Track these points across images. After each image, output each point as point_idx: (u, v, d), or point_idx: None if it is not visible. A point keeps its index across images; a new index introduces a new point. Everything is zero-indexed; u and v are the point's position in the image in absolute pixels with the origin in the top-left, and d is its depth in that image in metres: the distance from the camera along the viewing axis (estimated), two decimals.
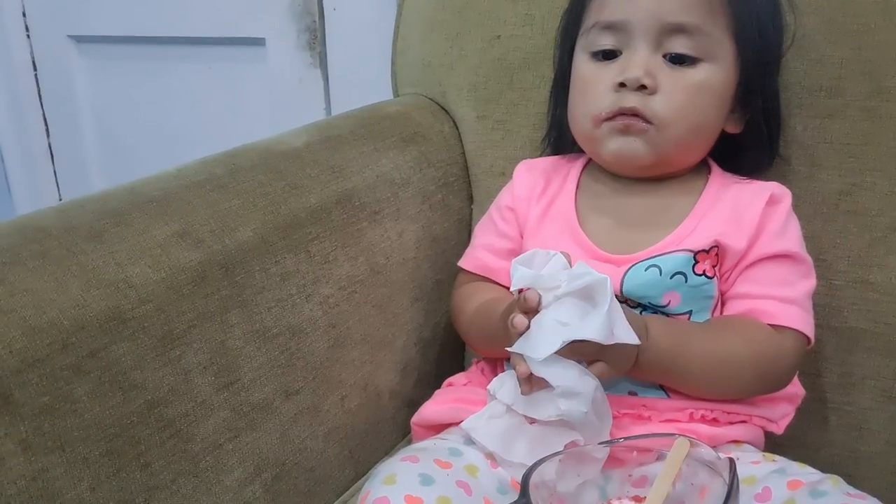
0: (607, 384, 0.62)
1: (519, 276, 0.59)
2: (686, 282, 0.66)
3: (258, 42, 1.30)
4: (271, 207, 0.67)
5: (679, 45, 0.66)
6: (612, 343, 0.56)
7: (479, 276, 0.77)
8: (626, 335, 0.57)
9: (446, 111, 0.92)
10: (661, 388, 0.66)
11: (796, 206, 0.69)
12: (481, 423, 0.62)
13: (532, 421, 0.61)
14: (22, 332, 0.48)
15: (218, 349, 0.60)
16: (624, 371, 0.62)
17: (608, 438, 0.60)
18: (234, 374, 0.61)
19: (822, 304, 0.70)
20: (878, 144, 0.72)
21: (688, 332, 0.65)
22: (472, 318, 0.74)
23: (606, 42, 0.68)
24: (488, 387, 0.64)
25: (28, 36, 1.52)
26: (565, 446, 0.59)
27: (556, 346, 0.56)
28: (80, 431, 0.50)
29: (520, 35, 0.87)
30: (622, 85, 0.66)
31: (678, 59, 0.66)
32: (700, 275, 0.66)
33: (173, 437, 0.56)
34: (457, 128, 0.92)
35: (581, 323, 0.57)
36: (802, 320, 0.66)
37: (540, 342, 0.57)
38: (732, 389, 0.65)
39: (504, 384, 0.63)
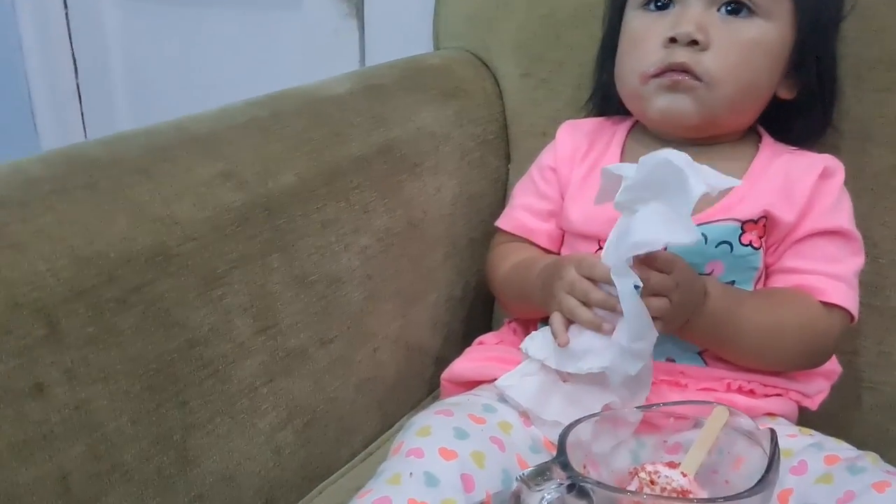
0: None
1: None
2: (731, 251, 0.65)
3: None
4: (314, 154, 0.66)
5: None
6: (716, 192, 0.54)
7: (516, 236, 0.76)
8: (725, 181, 0.55)
9: (488, 67, 0.91)
10: (700, 356, 0.65)
11: (847, 182, 0.68)
12: (515, 380, 0.62)
13: (565, 379, 0.60)
14: (70, 262, 0.48)
15: (258, 292, 0.59)
16: (674, 329, 0.61)
17: (643, 403, 0.60)
18: (273, 318, 0.61)
19: (865, 283, 0.69)
20: None
21: (743, 299, 0.64)
22: (508, 276, 0.73)
23: None
24: (521, 345, 0.64)
25: None
26: (602, 408, 0.59)
27: (693, 233, 0.53)
28: (123, 365, 0.50)
29: None
30: (673, 40, 0.65)
31: (735, 10, 0.65)
32: (746, 245, 0.65)
33: (211, 376, 0.56)
34: (498, 85, 0.90)
35: (682, 196, 0.54)
36: (850, 298, 0.65)
37: (662, 227, 0.54)
38: (778, 360, 0.64)
39: (535, 340, 0.63)
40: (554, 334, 0.60)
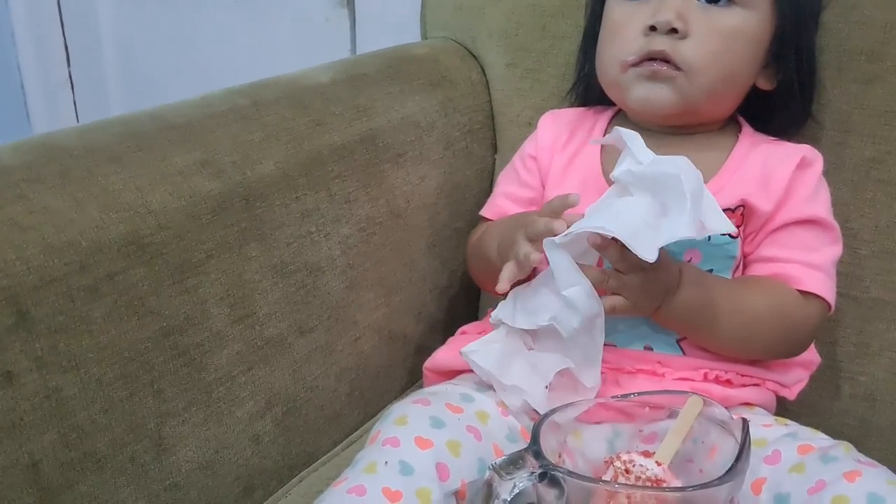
0: (624, 327, 0.61)
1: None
2: (709, 240, 0.65)
3: None
4: (294, 142, 0.66)
5: None
6: (703, 236, 0.56)
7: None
8: (720, 224, 0.57)
9: (475, 57, 0.91)
10: (678, 344, 0.65)
11: (826, 172, 0.68)
12: (478, 346, 0.63)
13: (530, 347, 0.61)
14: (40, 250, 0.48)
15: (235, 281, 0.60)
16: (647, 311, 0.62)
17: (599, 370, 0.60)
18: (250, 307, 0.61)
19: (844, 273, 0.69)
20: None
21: (717, 284, 0.64)
22: (475, 243, 0.74)
23: None
24: (490, 316, 0.64)
25: None
26: (557, 373, 0.60)
27: (655, 251, 0.54)
28: (95, 353, 0.50)
29: None
30: (652, 28, 0.64)
31: None
32: (724, 234, 0.65)
33: (187, 365, 0.56)
34: (485, 74, 0.90)
35: (664, 224, 0.55)
36: (826, 287, 0.65)
37: (632, 230, 0.55)
38: (753, 348, 0.65)
39: (500, 305, 0.64)
40: (499, 278, 0.61)
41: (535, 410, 0.61)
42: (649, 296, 0.60)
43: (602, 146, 0.72)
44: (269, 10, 1.33)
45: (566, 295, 0.57)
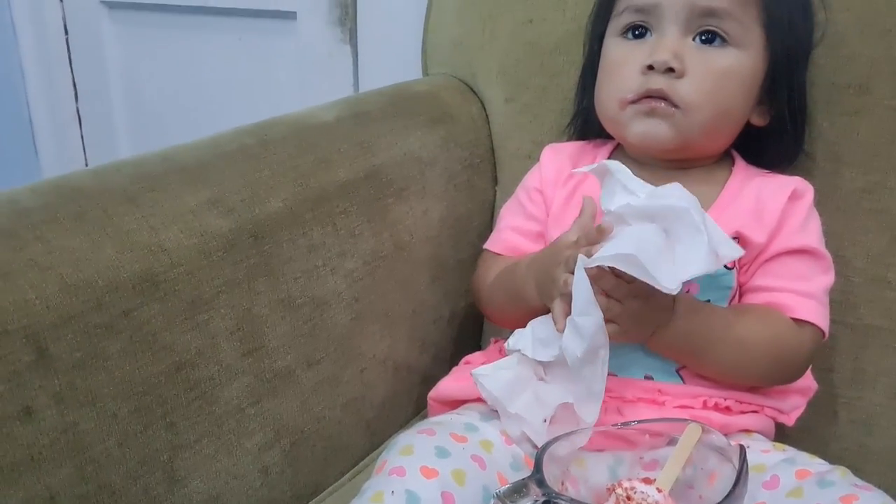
0: (624, 356, 0.63)
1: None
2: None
3: (289, 15, 1.30)
4: (301, 180, 0.68)
5: (710, 25, 0.67)
6: (720, 267, 0.57)
7: (505, 257, 0.77)
8: (731, 250, 0.57)
9: (475, 92, 0.93)
10: (678, 373, 0.67)
11: (818, 202, 0.70)
12: (489, 370, 0.64)
13: (541, 377, 0.62)
14: (59, 289, 0.49)
15: (244, 315, 0.61)
16: (640, 338, 0.63)
17: (598, 407, 0.61)
18: (259, 340, 0.63)
19: (838, 301, 0.71)
20: None
21: (712, 313, 0.66)
22: (495, 283, 0.75)
23: (637, 19, 0.69)
24: (497, 343, 0.65)
25: (60, 0, 1.53)
26: (560, 406, 0.61)
27: (677, 283, 0.55)
28: (111, 388, 0.52)
29: (551, 19, 0.87)
30: (650, 68, 0.67)
31: (709, 39, 0.67)
32: (734, 259, 0.67)
33: (199, 398, 0.58)
34: (485, 109, 0.92)
35: (680, 256, 0.56)
36: (819, 315, 0.67)
37: (653, 262, 0.55)
38: (748, 375, 0.66)
39: (517, 334, 0.65)
40: (554, 320, 0.61)
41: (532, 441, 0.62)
42: (642, 324, 0.62)
43: (601, 182, 0.74)
44: (273, 46, 1.35)
45: (577, 321, 0.58)
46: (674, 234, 0.57)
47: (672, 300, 0.63)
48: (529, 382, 0.63)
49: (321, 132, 0.74)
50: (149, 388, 0.54)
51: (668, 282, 0.55)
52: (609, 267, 0.58)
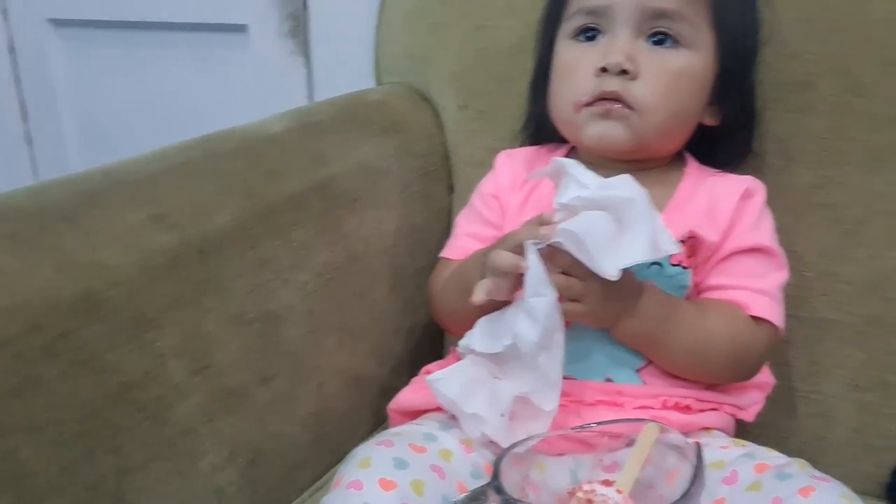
0: (583, 359, 0.62)
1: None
2: (662, 272, 0.67)
3: (240, 29, 1.29)
4: (249, 193, 0.67)
5: (662, 27, 0.67)
6: (659, 258, 0.58)
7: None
8: (670, 244, 0.58)
9: (428, 100, 0.93)
10: (638, 374, 0.67)
11: (770, 199, 0.70)
12: (444, 374, 0.63)
13: (496, 376, 0.62)
14: None
15: (193, 333, 0.60)
16: (606, 322, 0.63)
17: (558, 394, 0.61)
18: (209, 358, 0.61)
19: (792, 295, 0.71)
20: (849, 139, 0.73)
21: (677, 304, 0.66)
22: (447, 283, 0.74)
23: (588, 21, 0.69)
24: (458, 346, 0.65)
25: (5, 18, 1.51)
26: (517, 401, 0.60)
27: (617, 270, 0.56)
28: (52, 413, 0.50)
29: (502, 25, 0.87)
30: (604, 70, 0.67)
31: (660, 41, 0.67)
32: (675, 265, 0.67)
33: (146, 420, 0.56)
34: (438, 117, 0.92)
35: (624, 244, 0.57)
36: (775, 311, 0.67)
37: (599, 247, 0.56)
38: (707, 369, 0.66)
39: (465, 335, 0.64)
40: (475, 289, 0.61)
41: (494, 444, 0.62)
42: (609, 307, 0.62)
43: (556, 182, 0.74)
44: (225, 60, 1.34)
45: (530, 302, 0.58)
46: (622, 222, 0.58)
47: (639, 287, 0.63)
48: (485, 382, 0.62)
49: (270, 144, 0.73)
50: (92, 411, 0.53)
51: (609, 267, 0.56)
52: None
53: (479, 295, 0.61)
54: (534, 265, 0.58)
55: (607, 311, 0.62)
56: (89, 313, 0.53)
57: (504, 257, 0.61)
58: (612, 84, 0.67)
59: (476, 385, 0.62)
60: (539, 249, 0.58)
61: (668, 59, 0.67)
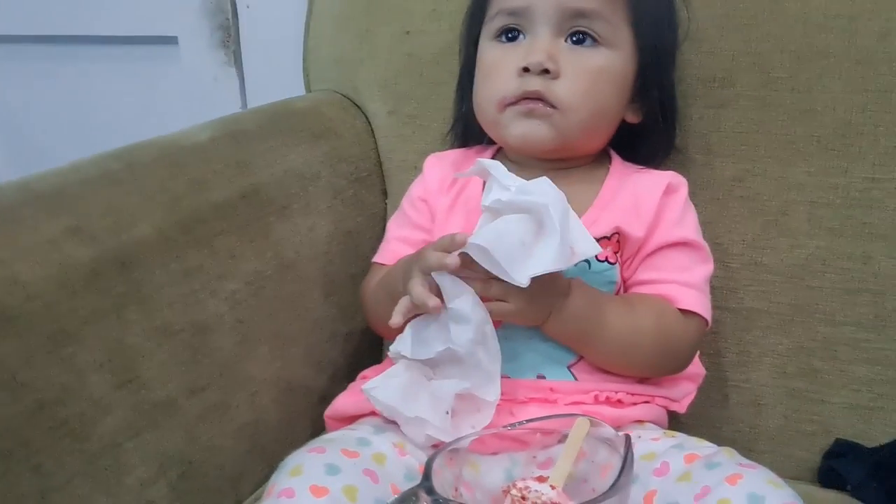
0: (515, 359, 0.63)
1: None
2: (589, 268, 0.68)
3: (170, 41, 1.27)
4: (172, 203, 0.66)
5: (581, 26, 0.68)
6: (573, 263, 0.59)
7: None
8: (589, 247, 0.59)
9: (358, 107, 0.92)
10: (569, 370, 0.67)
11: (693, 193, 0.72)
12: (379, 382, 0.63)
13: (430, 378, 0.62)
14: None
15: (115, 347, 0.59)
16: (537, 320, 0.64)
17: (499, 384, 0.62)
18: (133, 371, 0.60)
19: (719, 287, 0.73)
20: (767, 132, 0.75)
21: (607, 299, 0.67)
22: (375, 289, 0.74)
23: (510, 22, 0.70)
24: (389, 351, 0.65)
25: None
26: (458, 398, 0.61)
27: (527, 278, 0.57)
28: None
29: (429, 30, 0.87)
30: (526, 70, 0.67)
31: (580, 40, 0.68)
32: (602, 261, 0.68)
33: (67, 436, 0.55)
34: (369, 123, 0.92)
35: (537, 250, 0.58)
36: (702, 304, 0.68)
37: (509, 255, 0.57)
38: (637, 363, 0.67)
39: (396, 340, 0.64)
40: (394, 312, 0.62)
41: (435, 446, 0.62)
42: (537, 305, 0.62)
43: (485, 183, 0.74)
44: (156, 72, 1.32)
45: (453, 307, 0.59)
46: (539, 226, 0.59)
47: (568, 284, 0.64)
48: (421, 384, 0.62)
49: (194, 153, 0.72)
50: (8, 429, 0.51)
51: (518, 275, 0.57)
52: None
53: (396, 318, 0.62)
54: (443, 279, 0.60)
55: (536, 310, 0.63)
56: (2, 329, 0.51)
57: (416, 292, 0.61)
58: (534, 84, 0.67)
59: (414, 388, 0.62)
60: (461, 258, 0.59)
61: (589, 58, 0.68)
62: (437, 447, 0.58)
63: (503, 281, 0.59)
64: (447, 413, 0.61)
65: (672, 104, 0.75)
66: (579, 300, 0.64)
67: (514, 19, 0.70)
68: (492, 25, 0.72)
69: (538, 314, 0.63)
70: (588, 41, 0.68)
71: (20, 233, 0.55)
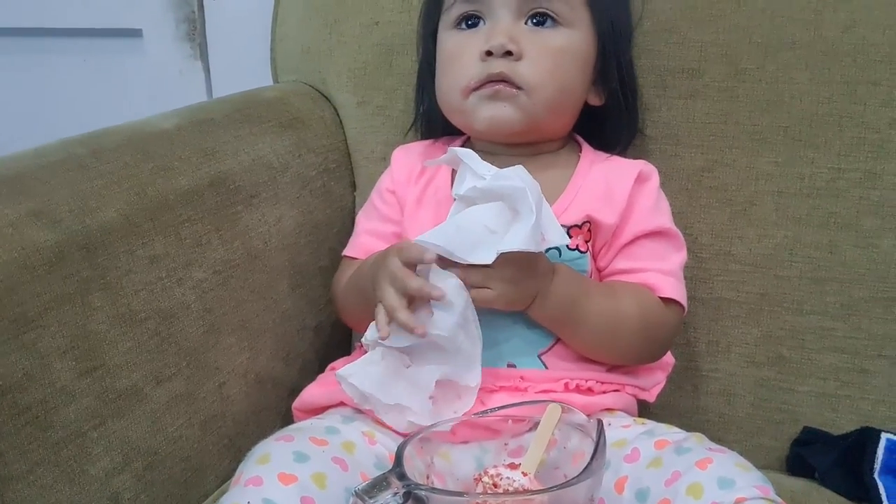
0: (487, 348, 0.63)
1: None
2: (560, 256, 0.68)
3: (135, 33, 1.26)
4: (137, 189, 0.65)
5: (541, 7, 0.68)
6: (543, 249, 0.60)
7: (363, 262, 0.76)
8: (558, 235, 0.60)
9: (327, 98, 0.92)
10: (540, 359, 0.67)
11: (663, 183, 0.72)
12: (356, 368, 0.62)
13: (408, 364, 0.62)
14: None
15: (79, 333, 0.57)
16: (522, 304, 0.63)
17: (479, 369, 0.62)
18: (98, 359, 0.59)
19: (690, 277, 0.73)
20: (735, 123, 0.75)
21: (591, 284, 0.67)
22: (347, 284, 0.74)
23: (469, 8, 0.70)
24: (362, 339, 0.64)
25: None
26: (438, 385, 0.61)
27: (493, 255, 0.58)
28: None
29: (398, 21, 0.87)
30: (489, 53, 0.67)
31: (540, 21, 0.68)
32: (573, 249, 0.68)
33: (29, 424, 0.53)
34: (338, 114, 0.91)
35: (510, 232, 0.58)
36: (679, 291, 0.69)
37: (468, 242, 0.58)
38: (619, 349, 0.67)
39: (371, 328, 0.64)
40: (377, 327, 0.61)
41: (400, 435, 0.61)
42: (519, 288, 0.62)
43: (453, 172, 0.74)
44: (121, 65, 1.30)
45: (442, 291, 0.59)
46: (514, 211, 0.59)
47: (552, 268, 0.64)
48: (399, 371, 0.62)
49: (160, 140, 0.71)
50: None
51: (477, 256, 0.58)
52: None
53: (385, 331, 0.60)
54: (428, 269, 0.60)
55: (519, 294, 0.63)
56: None
57: (389, 303, 0.60)
58: (498, 66, 0.67)
59: (391, 375, 0.62)
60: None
61: (550, 38, 0.68)
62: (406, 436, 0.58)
63: (481, 268, 0.59)
64: (431, 398, 0.61)
65: (633, 86, 0.75)
66: (563, 284, 0.64)
67: (474, 6, 0.70)
68: (450, 14, 0.72)
69: (522, 298, 0.63)
70: (548, 22, 0.69)
71: None
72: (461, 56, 0.70)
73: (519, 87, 0.67)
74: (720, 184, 0.76)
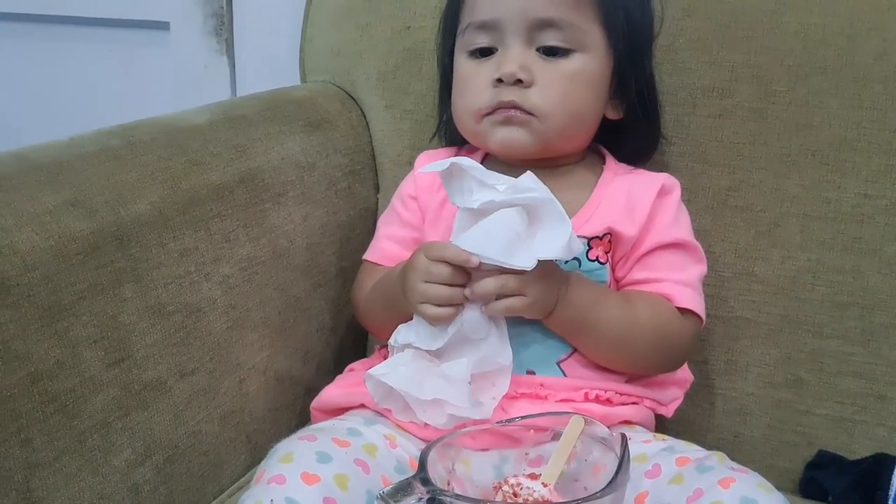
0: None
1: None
2: (580, 266, 0.68)
3: (162, 26, 1.26)
4: (170, 182, 0.65)
5: (550, 38, 0.68)
6: (571, 257, 0.61)
7: (384, 267, 0.76)
8: (577, 245, 0.60)
9: (354, 100, 0.92)
10: (559, 366, 0.67)
11: (688, 201, 0.73)
12: (387, 368, 0.62)
13: (437, 365, 0.62)
14: None
15: (109, 323, 0.58)
16: (545, 310, 0.64)
17: (510, 348, 0.63)
18: (126, 350, 0.59)
19: (710, 295, 0.73)
20: (764, 144, 0.76)
21: (605, 293, 0.68)
22: (371, 292, 0.74)
23: (481, 41, 0.70)
24: (389, 341, 0.65)
25: None
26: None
27: (533, 261, 0.58)
28: None
29: (429, 26, 0.87)
30: (500, 81, 0.68)
31: (551, 52, 0.69)
32: (593, 260, 0.69)
33: (58, 412, 0.54)
34: (364, 116, 0.91)
35: (538, 239, 0.59)
36: (697, 302, 0.69)
37: (504, 247, 0.59)
38: (634, 358, 0.68)
39: (401, 331, 0.65)
40: (434, 322, 0.62)
41: (420, 440, 0.61)
42: (548, 294, 0.63)
43: (451, 183, 0.74)
44: (145, 58, 1.31)
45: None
46: (535, 219, 0.60)
47: (567, 275, 0.64)
48: (430, 370, 0.62)
49: (192, 134, 0.71)
50: (0, 400, 0.50)
51: (521, 260, 0.58)
52: None
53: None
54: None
55: (547, 300, 0.63)
56: None
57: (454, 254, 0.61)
58: (509, 94, 0.68)
59: (424, 373, 0.62)
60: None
61: (562, 65, 0.69)
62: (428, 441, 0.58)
63: (517, 274, 0.60)
64: (470, 384, 0.61)
65: (653, 97, 0.75)
66: (578, 290, 0.65)
67: (486, 35, 0.70)
68: (464, 40, 0.72)
69: (550, 303, 0.64)
70: (560, 51, 0.69)
71: (18, 202, 0.54)
72: (473, 82, 0.70)
73: (531, 114, 0.68)
74: (746, 204, 0.76)
